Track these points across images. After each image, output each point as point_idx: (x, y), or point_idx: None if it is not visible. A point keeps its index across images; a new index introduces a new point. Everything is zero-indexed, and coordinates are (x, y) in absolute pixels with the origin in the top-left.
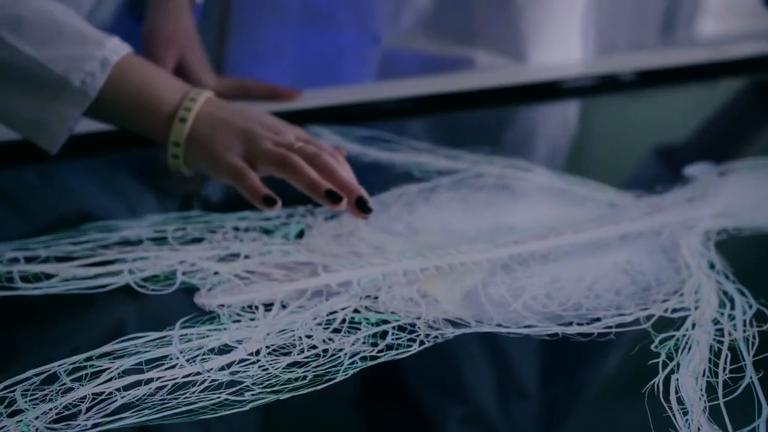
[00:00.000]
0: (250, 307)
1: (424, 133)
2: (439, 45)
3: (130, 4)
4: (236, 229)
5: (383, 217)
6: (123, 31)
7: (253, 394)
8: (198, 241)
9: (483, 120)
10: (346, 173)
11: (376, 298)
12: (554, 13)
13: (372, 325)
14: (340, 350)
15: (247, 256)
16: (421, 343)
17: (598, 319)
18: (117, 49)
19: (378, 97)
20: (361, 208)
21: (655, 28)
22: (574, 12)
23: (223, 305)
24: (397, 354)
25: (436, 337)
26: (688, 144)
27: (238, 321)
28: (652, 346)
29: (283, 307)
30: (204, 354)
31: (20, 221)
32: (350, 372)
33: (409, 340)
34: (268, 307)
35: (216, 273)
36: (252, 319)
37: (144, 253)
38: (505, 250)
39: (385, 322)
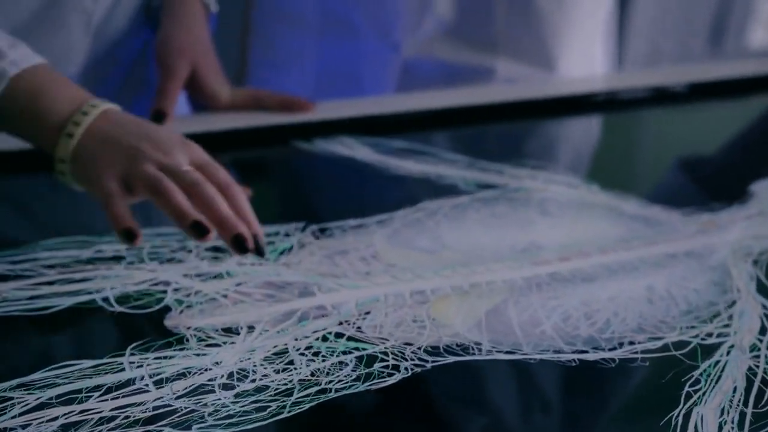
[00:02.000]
0: (227, 330)
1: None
2: (460, 53)
3: (146, 14)
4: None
5: (411, 232)
6: (138, 41)
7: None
8: (171, 260)
9: (520, 132)
10: (226, 208)
11: (362, 320)
12: (581, 21)
13: (341, 353)
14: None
15: (220, 276)
16: (405, 370)
17: (631, 343)
18: (21, 59)
19: (410, 108)
20: (238, 247)
21: (704, 38)
22: (603, 19)
23: (191, 328)
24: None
25: (421, 365)
26: (739, 159)
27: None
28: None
29: (250, 329)
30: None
31: None
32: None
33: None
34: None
35: (188, 294)
36: (212, 345)
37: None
38: (529, 270)
39: (356, 349)
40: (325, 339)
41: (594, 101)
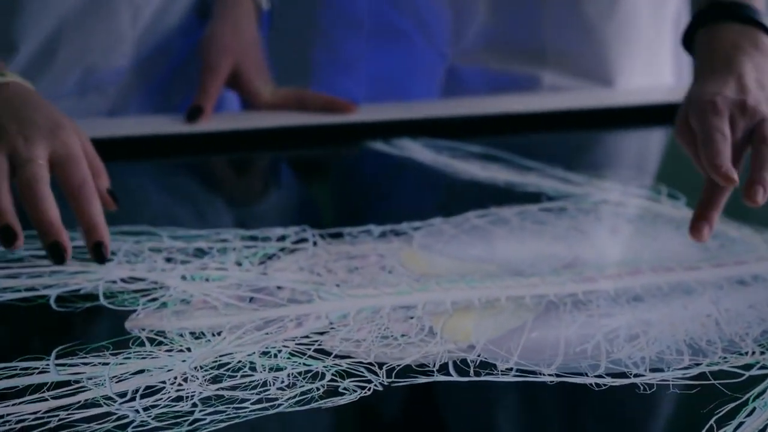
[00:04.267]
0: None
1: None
2: (505, 63)
3: (199, 12)
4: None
5: (455, 239)
6: (191, 39)
7: None
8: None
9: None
10: (53, 214)
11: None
12: (638, 32)
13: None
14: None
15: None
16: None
17: (660, 370)
18: None
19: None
20: (52, 255)
21: None
22: (668, 29)
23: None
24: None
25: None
26: None
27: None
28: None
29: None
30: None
31: None
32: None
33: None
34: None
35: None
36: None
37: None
38: (567, 287)
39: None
40: (275, 355)
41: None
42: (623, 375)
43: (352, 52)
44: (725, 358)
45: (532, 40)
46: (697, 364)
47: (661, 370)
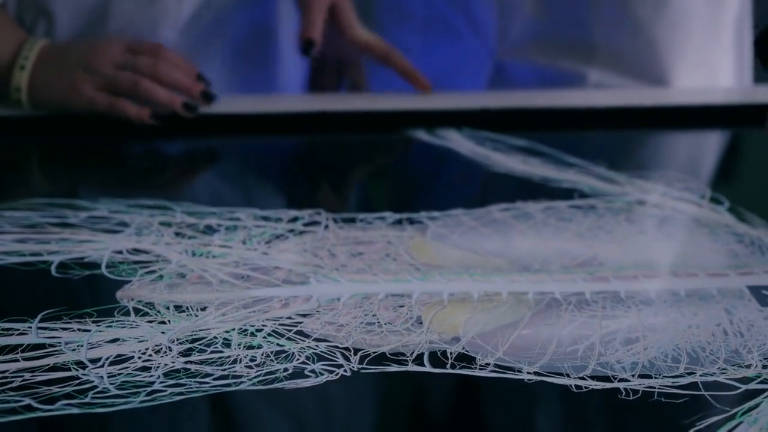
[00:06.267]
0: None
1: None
2: (551, 58)
3: None
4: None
5: (472, 231)
6: (246, 20)
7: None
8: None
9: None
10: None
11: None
12: (691, 30)
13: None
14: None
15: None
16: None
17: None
18: None
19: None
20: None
21: None
22: (728, 29)
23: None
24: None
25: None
26: None
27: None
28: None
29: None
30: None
31: None
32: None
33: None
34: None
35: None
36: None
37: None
38: (575, 285)
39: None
40: (254, 333)
41: (722, 114)
42: (608, 379)
43: (404, 43)
44: (724, 369)
45: (580, 37)
46: (690, 374)
47: (649, 377)
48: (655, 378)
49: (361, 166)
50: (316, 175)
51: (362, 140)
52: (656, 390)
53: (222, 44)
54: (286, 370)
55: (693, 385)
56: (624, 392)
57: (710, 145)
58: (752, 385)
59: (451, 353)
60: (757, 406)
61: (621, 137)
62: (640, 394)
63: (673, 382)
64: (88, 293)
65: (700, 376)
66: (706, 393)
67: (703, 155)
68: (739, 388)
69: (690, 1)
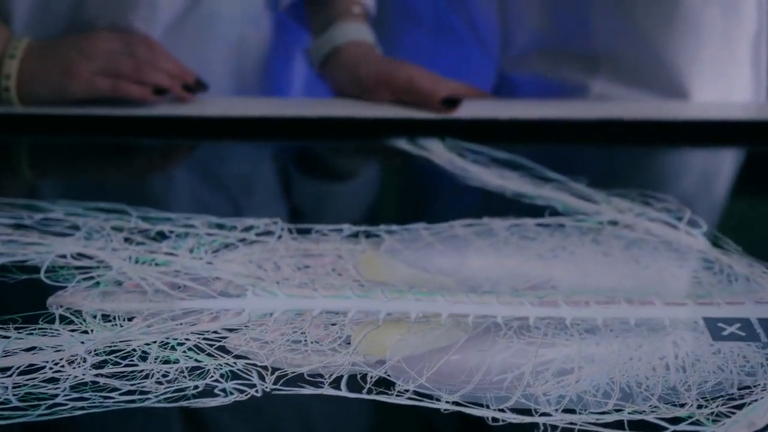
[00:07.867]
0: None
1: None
2: (555, 69)
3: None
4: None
5: (426, 248)
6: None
7: None
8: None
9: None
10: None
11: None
12: (704, 42)
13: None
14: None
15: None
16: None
17: (573, 411)
18: None
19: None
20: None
21: None
22: (746, 42)
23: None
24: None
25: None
26: None
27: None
28: None
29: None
30: None
31: None
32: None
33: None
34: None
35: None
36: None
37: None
38: (519, 310)
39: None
40: (174, 347)
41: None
42: (529, 412)
43: (412, 47)
44: (656, 407)
45: (583, 47)
46: (618, 410)
47: (573, 412)
48: (580, 414)
49: (334, 175)
50: (288, 181)
51: (343, 147)
52: (576, 427)
53: (219, 49)
54: (196, 387)
55: (618, 424)
56: (542, 427)
57: (705, 162)
58: (681, 426)
59: (371, 377)
60: None
61: (612, 153)
62: (558, 431)
63: (596, 419)
64: (20, 298)
65: (628, 413)
66: None
67: (690, 173)
68: (666, 429)
69: (704, 14)
